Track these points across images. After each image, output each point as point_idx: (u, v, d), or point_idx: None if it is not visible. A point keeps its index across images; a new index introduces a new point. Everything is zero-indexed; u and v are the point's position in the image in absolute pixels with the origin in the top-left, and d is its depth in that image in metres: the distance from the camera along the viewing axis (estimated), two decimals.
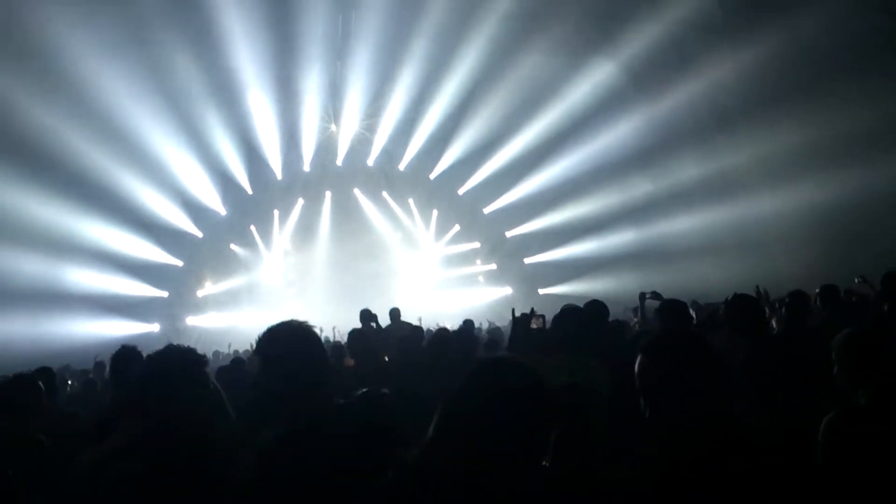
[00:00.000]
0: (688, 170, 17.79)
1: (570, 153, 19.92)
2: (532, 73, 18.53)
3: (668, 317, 5.64)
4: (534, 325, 6.09)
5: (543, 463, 1.97)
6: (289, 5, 16.46)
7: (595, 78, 18.06)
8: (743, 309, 4.70)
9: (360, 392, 4.20)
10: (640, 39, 16.75)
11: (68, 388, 10.10)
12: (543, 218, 21.80)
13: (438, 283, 23.31)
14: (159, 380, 2.79)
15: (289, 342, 2.76)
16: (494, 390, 1.91)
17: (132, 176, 18.85)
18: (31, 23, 14.25)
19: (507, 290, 23.30)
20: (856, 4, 13.32)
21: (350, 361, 8.59)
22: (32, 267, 17.37)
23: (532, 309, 6.35)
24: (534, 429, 1.89)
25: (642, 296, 8.68)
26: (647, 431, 2.33)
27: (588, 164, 19.52)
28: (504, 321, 16.22)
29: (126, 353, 4.62)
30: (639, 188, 19.33)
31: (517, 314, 6.03)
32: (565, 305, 5.50)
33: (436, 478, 1.85)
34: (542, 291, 21.89)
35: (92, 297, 19.10)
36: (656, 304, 8.26)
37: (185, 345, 3.00)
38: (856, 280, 8.10)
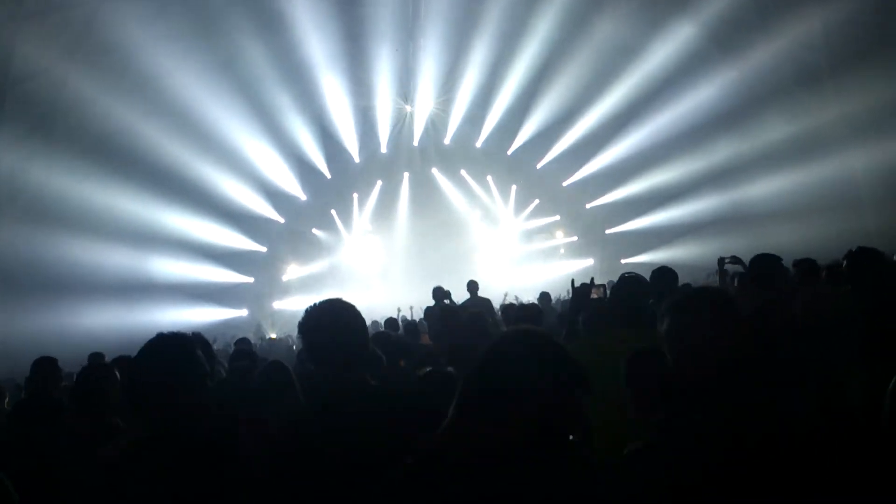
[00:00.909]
0: (773, 131, 16.94)
1: (650, 120, 19.29)
2: (608, 40, 17.98)
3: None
4: (594, 296, 5.87)
5: (571, 438, 1.87)
6: None
7: (673, 41, 17.35)
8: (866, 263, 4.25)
9: (424, 371, 4.10)
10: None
11: None
12: (624, 188, 21.24)
13: (520, 258, 23.14)
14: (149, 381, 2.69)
15: (324, 322, 2.75)
16: (513, 364, 1.83)
17: (212, 166, 19.33)
18: (106, 22, 14.66)
19: (589, 262, 22.93)
20: None
21: (426, 339, 8.57)
22: (120, 259, 18.09)
23: (592, 279, 6.12)
24: (558, 402, 1.80)
25: (721, 261, 8.31)
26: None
27: (669, 130, 18.87)
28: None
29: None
30: (722, 152, 18.59)
31: (580, 284, 5.82)
32: (624, 274, 5.25)
33: (454, 467, 1.76)
34: (624, 261, 21.39)
35: (180, 285, 19.77)
36: (738, 268, 7.90)
37: (264, 332, 2.98)
38: None
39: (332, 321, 2.73)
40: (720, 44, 17.19)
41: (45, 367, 6.53)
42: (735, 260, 7.95)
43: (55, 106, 15.99)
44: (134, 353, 6.72)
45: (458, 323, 5.79)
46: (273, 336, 18.39)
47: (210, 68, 16.97)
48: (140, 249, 18.65)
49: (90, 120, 16.30)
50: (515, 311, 7.80)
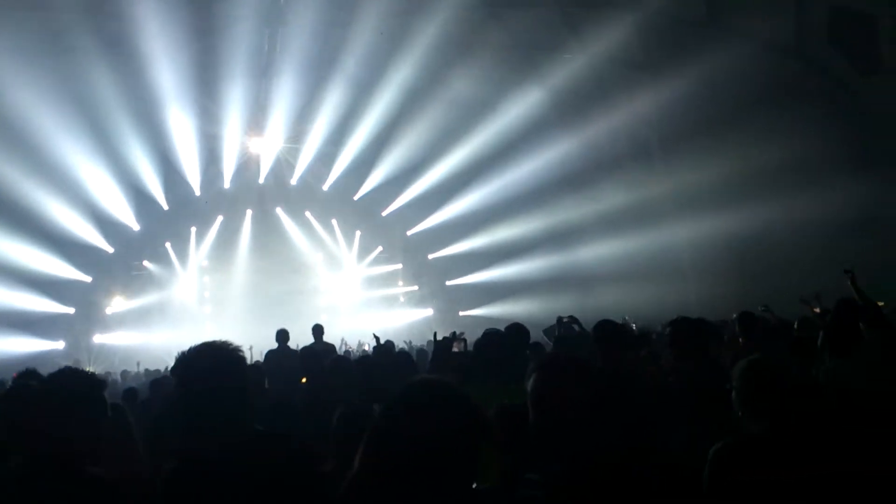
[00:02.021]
0: (607, 198, 18.23)
1: (494, 178, 20.16)
2: (458, 98, 18.68)
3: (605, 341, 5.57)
4: (455, 349, 6.04)
5: (474, 486, 1.93)
6: (213, 19, 16.09)
7: (519, 105, 18.33)
8: (687, 331, 4.65)
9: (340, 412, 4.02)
10: (564, 70, 17.09)
11: None
12: (466, 241, 21.95)
13: (360, 304, 23.13)
14: (50, 410, 2.63)
15: (206, 364, 2.60)
16: (422, 411, 1.86)
17: (39, 187, 18.05)
18: None
19: (428, 312, 23.31)
20: (766, 47, 13.95)
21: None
22: None
23: (454, 332, 6.31)
24: (463, 449, 1.84)
25: (559, 319, 8.77)
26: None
27: (511, 189, 19.79)
28: (424, 341, 16.20)
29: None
30: (560, 214, 19.66)
31: (438, 337, 5.97)
32: (488, 329, 5.45)
33: None
34: (462, 313, 21.97)
35: None
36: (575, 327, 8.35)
37: (82, 367, 2.83)
38: (759, 308, 8.25)
39: (218, 362, 2.59)
40: (564, 111, 18.33)
41: None
42: (572, 319, 8.42)
43: None
44: None
45: (321, 367, 5.75)
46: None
47: (48, 85, 15.97)
48: None
49: None
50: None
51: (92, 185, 19.41)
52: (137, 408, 6.67)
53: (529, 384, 2.47)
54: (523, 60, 17.79)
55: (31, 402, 3.06)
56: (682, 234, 16.82)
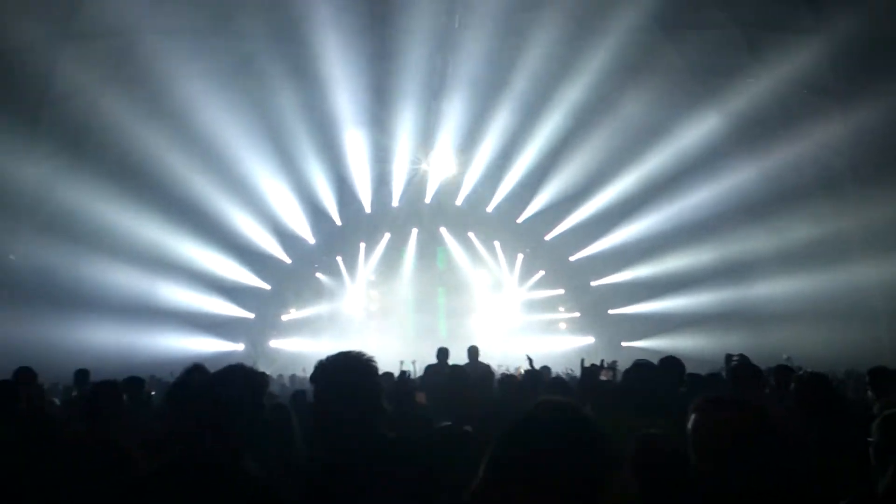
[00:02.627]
0: (790, 231, 17.14)
1: (664, 205, 19.57)
2: (632, 120, 18.36)
3: (741, 379, 5.37)
4: (603, 377, 5.91)
5: None
6: (390, 44, 16.88)
7: (694, 131, 17.72)
8: (812, 388, 4.43)
9: (440, 426, 4.15)
10: (744, 94, 16.36)
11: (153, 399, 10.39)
12: (632, 269, 21.40)
13: (519, 327, 23.09)
14: (214, 403, 2.76)
15: (340, 372, 2.74)
16: (547, 433, 1.85)
17: (229, 201, 19.66)
18: (146, 53, 15.13)
19: (589, 340, 22.88)
20: None
21: (422, 397, 8.56)
22: (128, 280, 18.25)
23: (602, 360, 6.18)
24: (587, 477, 1.81)
25: (728, 358, 8.38)
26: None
27: (682, 217, 19.11)
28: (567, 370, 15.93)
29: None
30: (735, 246, 18.74)
31: (590, 364, 5.87)
32: (638, 360, 5.32)
33: None
34: (625, 344, 21.38)
35: (182, 313, 19.83)
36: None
37: (250, 366, 2.98)
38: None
39: (351, 371, 2.75)
40: (743, 137, 17.51)
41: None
42: (743, 358, 8.03)
43: (87, 127, 16.42)
44: (130, 374, 6.79)
45: (465, 385, 5.82)
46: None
47: (239, 108, 17.43)
48: (148, 274, 18.81)
49: (118, 144, 16.73)
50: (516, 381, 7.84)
51: (274, 200, 20.91)
52: (305, 409, 7.08)
53: (691, 422, 2.40)
54: (699, 84, 17.25)
55: (193, 395, 3.30)
56: (872, 274, 15.54)
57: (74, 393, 8.67)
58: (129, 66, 15.58)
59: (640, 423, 4.23)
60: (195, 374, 4.42)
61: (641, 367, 5.33)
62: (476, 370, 10.02)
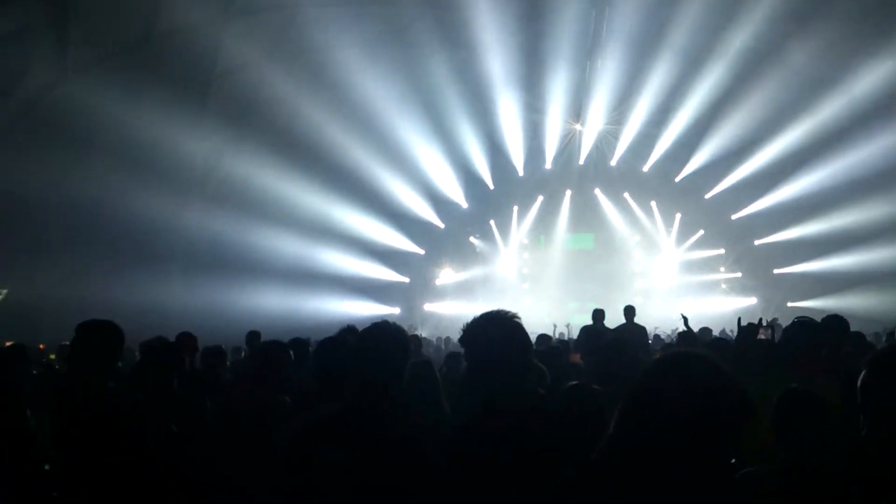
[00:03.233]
0: None
1: (833, 160, 18.13)
2: (795, 73, 17.13)
3: None
4: (761, 336, 5.65)
5: (732, 461, 1.90)
6: (541, 4, 16.57)
7: (867, 79, 16.27)
8: None
9: (570, 384, 4.13)
10: None
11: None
12: (798, 227, 20.11)
13: (678, 288, 22.42)
14: (366, 358, 2.85)
15: (488, 331, 2.76)
16: (675, 384, 1.83)
17: (383, 168, 20.15)
18: (304, 26, 15.64)
19: (751, 301, 21.85)
20: None
21: (576, 357, 8.53)
22: (292, 247, 19.24)
23: (760, 319, 5.90)
24: (719, 425, 1.79)
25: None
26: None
27: (852, 172, 17.67)
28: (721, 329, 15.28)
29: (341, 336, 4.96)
30: None
31: (747, 323, 5.63)
32: (799, 317, 5.03)
33: (616, 476, 1.81)
34: (791, 304, 20.24)
35: (342, 277, 20.70)
36: None
37: (415, 332, 3.08)
38: None
39: (497, 334, 2.74)
40: None
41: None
42: None
43: (251, 100, 17.30)
44: (294, 336, 7.16)
45: (601, 345, 5.78)
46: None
47: (393, 77, 17.73)
48: (310, 240, 19.73)
49: (280, 116, 17.46)
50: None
51: (428, 166, 21.20)
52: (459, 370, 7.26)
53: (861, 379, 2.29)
54: (872, 28, 15.76)
55: (345, 352, 3.43)
56: None
57: (244, 353, 9.20)
58: (289, 39, 16.18)
59: (795, 381, 3.99)
60: (347, 334, 4.60)
61: (803, 325, 5.02)
62: (631, 331, 9.89)
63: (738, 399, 1.82)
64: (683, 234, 23.05)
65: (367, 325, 3.00)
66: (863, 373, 2.40)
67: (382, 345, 2.88)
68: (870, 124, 16.93)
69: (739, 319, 5.70)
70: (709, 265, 22.99)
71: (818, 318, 5.76)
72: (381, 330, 2.92)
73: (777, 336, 5.98)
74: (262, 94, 17.20)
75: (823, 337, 5.00)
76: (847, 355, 5.42)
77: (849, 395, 4.56)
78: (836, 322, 5.27)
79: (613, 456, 1.86)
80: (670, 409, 1.80)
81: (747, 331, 5.38)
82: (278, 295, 17.90)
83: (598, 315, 10.14)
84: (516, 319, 2.80)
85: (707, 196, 22.08)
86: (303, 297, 18.60)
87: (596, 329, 9.77)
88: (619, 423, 1.91)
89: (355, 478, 2.59)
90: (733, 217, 22.04)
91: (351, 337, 4.21)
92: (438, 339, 16.30)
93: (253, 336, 9.33)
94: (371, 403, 2.79)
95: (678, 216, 22.90)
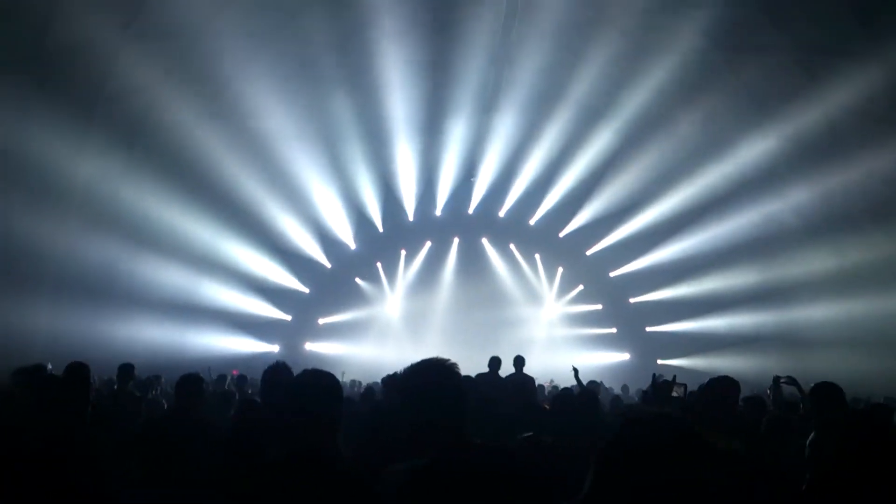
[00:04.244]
0: (835, 257, 17.05)
1: (709, 226, 19.44)
2: (681, 142, 18.28)
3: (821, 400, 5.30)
4: (675, 394, 5.93)
5: None
6: (447, 55, 16.92)
7: (746, 153, 17.57)
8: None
9: (524, 436, 4.17)
10: (799, 119, 16.22)
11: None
12: (671, 288, 21.29)
13: (557, 341, 23.05)
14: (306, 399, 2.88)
15: (432, 378, 2.79)
16: (653, 445, 1.88)
17: (274, 203, 19.84)
18: (205, 53, 15.23)
19: (624, 356, 22.80)
20: None
21: None
22: (173, 278, 18.50)
23: (674, 377, 6.20)
24: (694, 485, 1.85)
25: (776, 379, 8.39)
26: None
27: (726, 239, 19.00)
28: (618, 388, 15.90)
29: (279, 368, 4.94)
30: (777, 270, 18.63)
31: (662, 380, 5.90)
32: (715, 377, 5.33)
33: None
34: (661, 362, 21.23)
35: (222, 312, 20.05)
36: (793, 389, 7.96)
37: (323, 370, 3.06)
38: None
39: (435, 382, 2.77)
40: (795, 162, 17.33)
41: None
42: (790, 380, 8.00)
43: (143, 124, 16.63)
44: (175, 368, 6.97)
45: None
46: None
47: (292, 112, 17.53)
48: (192, 271, 19.03)
49: (172, 143, 16.88)
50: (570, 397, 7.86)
51: (319, 203, 21.01)
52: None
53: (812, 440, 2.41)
54: (754, 106, 17.14)
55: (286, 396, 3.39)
56: None
57: (116, 387, 8.61)
58: (189, 66, 15.72)
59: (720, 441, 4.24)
60: (283, 371, 4.51)
61: (718, 384, 5.35)
62: (522, 381, 10.09)
63: (709, 452, 1.93)
64: (564, 289, 23.81)
65: (246, 361, 3.03)
66: (812, 434, 2.53)
67: (329, 387, 2.93)
68: (743, 195, 18.22)
69: (654, 375, 5.99)
70: (587, 320, 23.78)
71: (688, 377, 6.15)
72: (316, 375, 3.00)
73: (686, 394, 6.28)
74: (154, 118, 16.59)
75: (729, 396, 5.33)
76: (739, 416, 5.78)
77: (752, 449, 4.85)
78: (731, 383, 5.58)
79: None
80: (649, 468, 1.86)
81: (663, 387, 5.64)
82: (156, 326, 17.08)
83: (495, 363, 10.26)
84: (454, 367, 2.84)
85: (588, 252, 22.98)
86: (182, 331, 17.85)
87: (491, 378, 9.93)
88: (595, 482, 1.95)
89: None
90: (611, 275, 23.02)
91: (287, 373, 4.15)
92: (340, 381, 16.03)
93: (126, 369, 8.74)
94: (328, 443, 2.78)
95: (560, 270, 23.67)
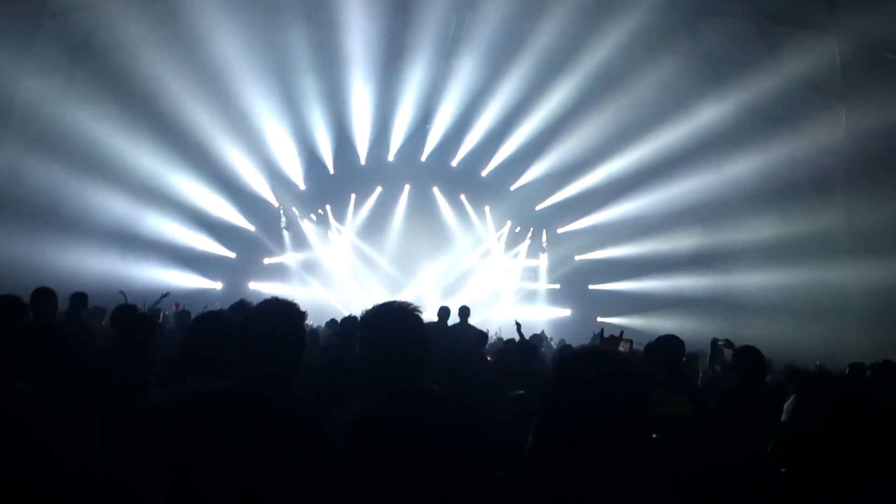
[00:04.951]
0: (776, 226, 17.45)
1: (657, 188, 19.68)
2: (635, 102, 18.33)
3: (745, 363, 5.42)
4: (621, 348, 6.02)
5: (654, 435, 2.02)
6: None
7: (699, 118, 17.74)
8: None
9: (514, 393, 4.14)
10: (753, 87, 16.41)
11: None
12: (618, 247, 21.58)
13: (502, 293, 23.26)
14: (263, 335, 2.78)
15: (394, 321, 2.79)
16: (590, 378, 1.90)
17: (224, 136, 19.27)
18: None
19: (566, 312, 23.15)
20: None
21: None
22: (116, 207, 18.00)
23: (622, 332, 6.29)
24: (635, 406, 1.87)
25: (714, 341, 8.62)
26: None
27: (674, 202, 19.25)
28: (558, 339, 16.17)
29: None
30: (718, 235, 19.01)
31: (609, 335, 5.97)
32: (662, 336, 5.42)
33: (547, 478, 1.86)
34: (601, 319, 21.62)
35: (165, 245, 19.64)
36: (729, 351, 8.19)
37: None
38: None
39: (397, 325, 2.77)
40: (745, 129, 17.63)
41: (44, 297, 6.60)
42: (728, 343, 8.22)
43: (87, 44, 15.95)
44: (112, 301, 6.86)
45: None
46: None
47: (247, 41, 16.99)
48: (136, 202, 18.55)
49: (118, 65, 16.21)
50: (514, 345, 7.94)
51: (271, 141, 20.55)
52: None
53: (790, 405, 2.37)
54: (710, 71, 17.28)
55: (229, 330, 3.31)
56: (851, 275, 15.90)
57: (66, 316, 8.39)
58: None
59: (669, 400, 4.33)
60: (236, 313, 4.42)
61: (665, 343, 5.44)
62: (466, 332, 10.13)
63: (648, 380, 1.97)
64: (512, 243, 23.96)
65: (188, 297, 2.94)
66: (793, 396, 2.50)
67: (277, 321, 2.82)
68: (693, 159, 18.45)
69: (601, 330, 6.06)
70: (532, 274, 24.07)
71: (628, 335, 6.24)
72: (275, 307, 2.87)
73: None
74: (100, 38, 15.91)
75: (675, 355, 5.42)
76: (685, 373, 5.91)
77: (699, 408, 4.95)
78: (672, 341, 5.67)
79: (541, 454, 1.91)
80: (588, 401, 1.86)
81: (610, 342, 5.70)
82: (97, 255, 16.65)
83: (444, 312, 10.28)
84: (416, 311, 2.83)
85: (538, 207, 23.11)
86: (124, 262, 17.45)
87: (439, 327, 9.95)
88: (539, 425, 1.94)
89: (251, 455, 2.49)
90: (559, 231, 23.23)
91: (238, 316, 4.05)
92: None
93: (78, 297, 8.58)
94: (266, 380, 2.70)
95: (508, 223, 23.77)
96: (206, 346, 3.54)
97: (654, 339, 5.69)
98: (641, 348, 5.90)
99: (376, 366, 2.78)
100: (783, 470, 2.18)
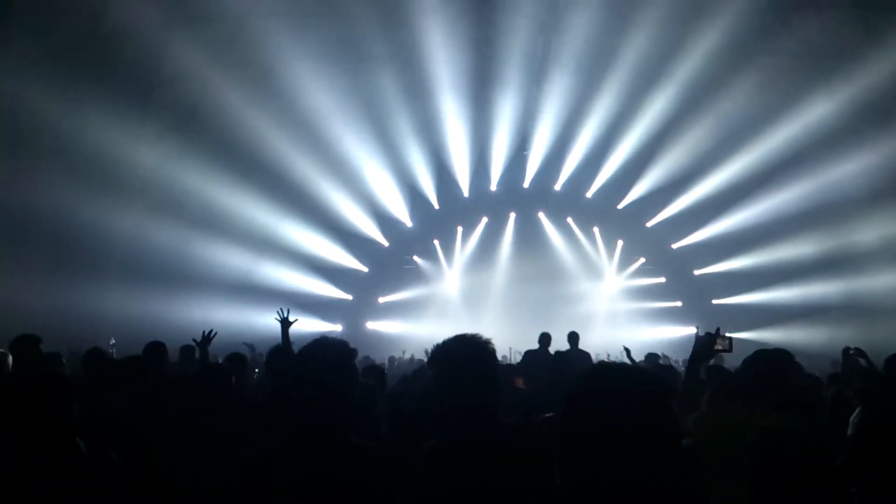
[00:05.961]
0: None
1: (773, 193, 18.78)
2: (739, 107, 17.66)
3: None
4: (718, 347, 5.64)
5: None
6: (492, 28, 16.76)
7: (808, 116, 16.84)
8: None
9: (545, 416, 4.06)
10: (862, 79, 15.43)
11: (255, 375, 10.59)
12: (737, 259, 20.65)
13: (618, 316, 22.67)
14: (309, 374, 2.81)
15: (460, 355, 2.76)
16: (604, 391, 1.90)
17: (328, 183, 19.99)
18: (251, 36, 15.49)
19: (691, 330, 22.25)
20: None
21: (520, 382, 8.48)
22: (234, 260, 18.91)
23: (718, 329, 5.94)
24: (659, 415, 1.86)
25: (846, 350, 8.05)
26: None
27: (792, 206, 18.30)
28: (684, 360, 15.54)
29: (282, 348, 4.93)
30: (845, 237, 17.86)
31: (704, 333, 5.65)
32: (761, 350, 5.08)
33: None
34: (727, 334, 20.64)
35: (284, 292, 20.35)
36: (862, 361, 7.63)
37: (341, 339, 2.99)
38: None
39: (471, 354, 2.75)
40: (859, 124, 16.57)
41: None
42: (859, 352, 7.66)
43: (195, 109, 16.97)
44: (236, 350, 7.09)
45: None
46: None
47: (340, 90, 17.65)
48: (252, 253, 19.45)
49: (225, 127, 17.20)
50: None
51: (373, 182, 21.14)
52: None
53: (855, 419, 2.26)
54: (813, 67, 16.41)
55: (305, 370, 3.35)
56: None
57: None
58: (236, 49, 16.00)
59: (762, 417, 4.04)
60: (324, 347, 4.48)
61: (772, 354, 5.08)
62: (575, 357, 9.92)
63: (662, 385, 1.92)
64: (625, 262, 23.39)
65: (308, 340, 2.95)
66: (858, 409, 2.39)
67: (337, 361, 2.84)
68: (807, 160, 17.51)
69: (698, 328, 5.76)
70: (650, 293, 23.31)
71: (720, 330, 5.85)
72: (332, 345, 2.89)
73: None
74: (206, 103, 16.92)
75: (784, 369, 5.05)
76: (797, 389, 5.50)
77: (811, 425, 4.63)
78: (784, 355, 5.30)
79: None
80: (606, 413, 1.83)
81: (704, 340, 5.36)
82: (218, 307, 17.50)
83: (545, 339, 10.15)
84: (488, 344, 2.81)
85: (648, 224, 22.49)
86: (244, 312, 18.23)
87: (541, 354, 9.81)
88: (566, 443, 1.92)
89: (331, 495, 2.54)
90: (674, 246, 22.50)
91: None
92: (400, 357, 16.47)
93: (187, 350, 8.96)
94: (335, 420, 2.74)
95: (620, 243, 23.24)
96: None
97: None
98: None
99: (446, 400, 2.76)
100: (853, 490, 2.03)
